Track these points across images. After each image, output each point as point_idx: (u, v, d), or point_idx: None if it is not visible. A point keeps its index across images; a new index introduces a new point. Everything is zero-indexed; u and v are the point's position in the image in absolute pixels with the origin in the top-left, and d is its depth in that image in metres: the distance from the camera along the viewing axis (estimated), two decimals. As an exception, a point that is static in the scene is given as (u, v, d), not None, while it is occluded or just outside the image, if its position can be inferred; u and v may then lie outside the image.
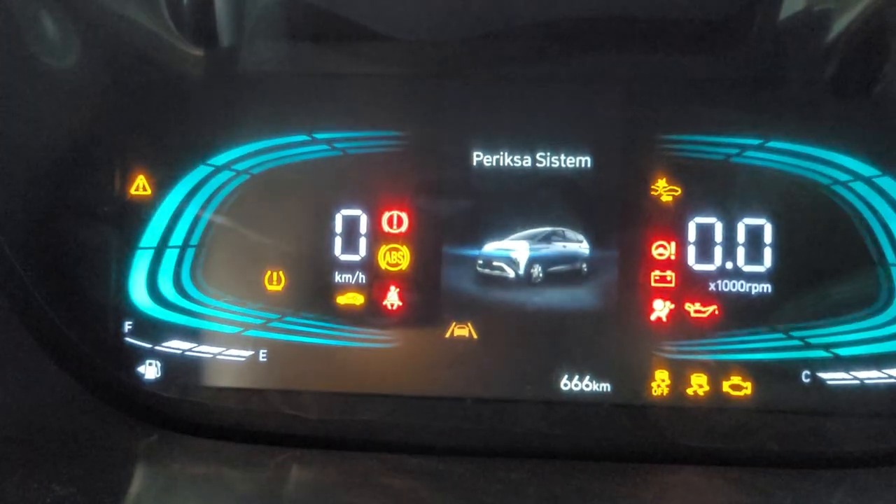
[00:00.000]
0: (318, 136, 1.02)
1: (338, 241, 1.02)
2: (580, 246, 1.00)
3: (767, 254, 0.98)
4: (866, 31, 0.94)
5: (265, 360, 1.02)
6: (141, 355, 1.03)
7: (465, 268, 1.00)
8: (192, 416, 1.01)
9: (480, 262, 1.00)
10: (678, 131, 0.99)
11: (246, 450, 0.96)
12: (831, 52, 0.97)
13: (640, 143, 0.99)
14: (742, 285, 0.98)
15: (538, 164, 1.00)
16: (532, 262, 1.00)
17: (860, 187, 0.97)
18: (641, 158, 0.99)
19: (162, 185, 1.03)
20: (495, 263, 1.00)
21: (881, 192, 0.97)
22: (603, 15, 0.98)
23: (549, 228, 1.00)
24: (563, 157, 1.00)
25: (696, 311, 0.99)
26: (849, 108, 0.98)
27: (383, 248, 1.01)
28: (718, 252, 0.99)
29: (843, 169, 0.98)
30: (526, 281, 1.00)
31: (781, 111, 0.98)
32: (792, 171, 0.98)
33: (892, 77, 0.95)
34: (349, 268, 1.01)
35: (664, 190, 0.99)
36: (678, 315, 0.99)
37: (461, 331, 1.00)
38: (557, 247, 1.00)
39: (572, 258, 1.00)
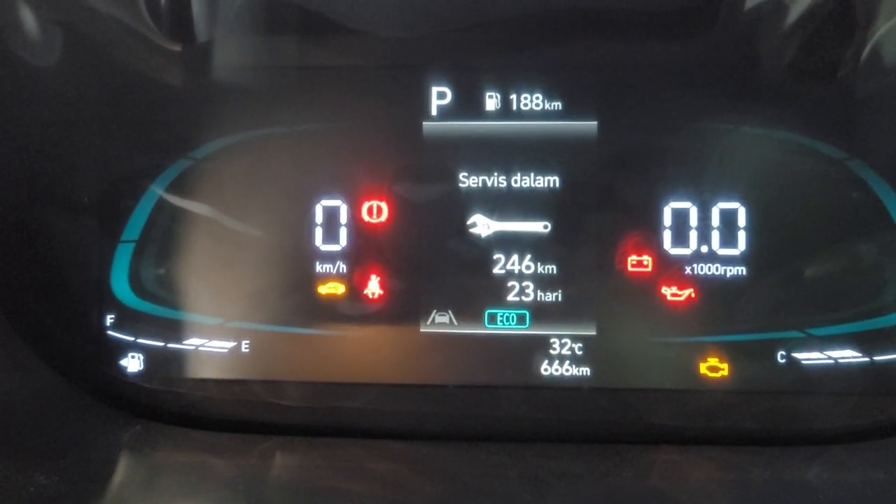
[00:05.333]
0: (297, 128, 1.03)
1: (318, 231, 1.03)
2: (554, 231, 1.01)
3: (742, 237, 1.00)
4: (831, 15, 0.96)
5: (248, 350, 1.03)
6: (123, 348, 1.04)
7: (445, 255, 1.02)
8: (175, 407, 1.02)
9: (458, 248, 1.02)
10: (650, 119, 1.00)
11: (230, 438, 0.97)
12: (798, 38, 0.98)
13: (612, 132, 1.01)
14: (717, 268, 1.00)
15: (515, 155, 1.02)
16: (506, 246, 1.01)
17: (830, 171, 0.99)
18: (614, 146, 1.01)
19: (143, 179, 1.04)
20: (473, 250, 1.02)
21: (851, 175, 0.99)
22: (573, 5, 0.99)
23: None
24: (537, 148, 1.01)
25: (673, 295, 1.00)
26: (816, 92, 0.99)
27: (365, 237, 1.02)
28: (693, 236, 1.01)
29: (813, 153, 1.00)
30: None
31: (751, 97, 1.00)
32: (763, 157, 1.00)
33: (858, 61, 0.98)
34: (329, 257, 1.02)
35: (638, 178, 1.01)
36: (655, 298, 1.00)
37: (442, 318, 1.02)
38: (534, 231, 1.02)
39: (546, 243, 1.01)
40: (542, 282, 1.01)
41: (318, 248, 1.03)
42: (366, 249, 1.02)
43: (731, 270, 1.00)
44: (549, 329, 1.01)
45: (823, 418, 0.97)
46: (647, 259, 1.01)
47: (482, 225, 1.02)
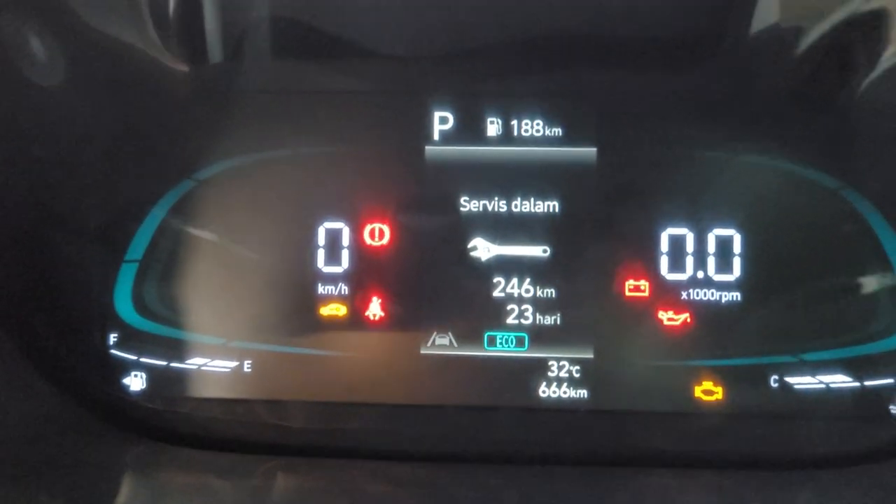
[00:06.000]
0: (300, 151, 1.05)
1: (320, 253, 1.04)
2: (553, 255, 1.03)
3: (737, 263, 1.02)
4: (829, 48, 0.98)
5: (250, 370, 1.04)
6: (126, 367, 1.04)
7: (446, 278, 1.03)
8: (177, 426, 1.03)
9: (459, 271, 1.03)
10: (648, 146, 1.02)
11: (232, 459, 0.98)
12: (795, 69, 1.00)
13: (611, 158, 1.02)
14: (713, 294, 1.02)
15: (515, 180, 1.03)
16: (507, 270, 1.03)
17: (824, 200, 1.01)
18: (613, 173, 1.02)
19: (147, 200, 1.05)
20: (473, 273, 1.03)
21: (844, 205, 1.01)
22: (575, 33, 1.01)
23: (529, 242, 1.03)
24: (537, 174, 1.03)
25: (669, 319, 1.02)
26: (812, 123, 1.01)
27: (367, 260, 1.04)
28: (690, 262, 1.02)
29: (807, 182, 1.02)
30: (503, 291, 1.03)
31: (748, 127, 1.02)
32: (759, 185, 1.02)
33: (853, 93, 1.00)
34: (331, 279, 1.04)
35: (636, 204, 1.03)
36: (652, 323, 1.02)
37: (442, 340, 1.03)
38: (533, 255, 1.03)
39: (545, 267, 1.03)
40: (540, 305, 1.03)
41: (320, 269, 1.04)
42: (367, 272, 1.04)
43: (726, 296, 1.02)
44: (547, 352, 1.03)
45: (815, 443, 0.99)
46: (644, 284, 1.02)
47: (482, 248, 1.03)
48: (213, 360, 1.04)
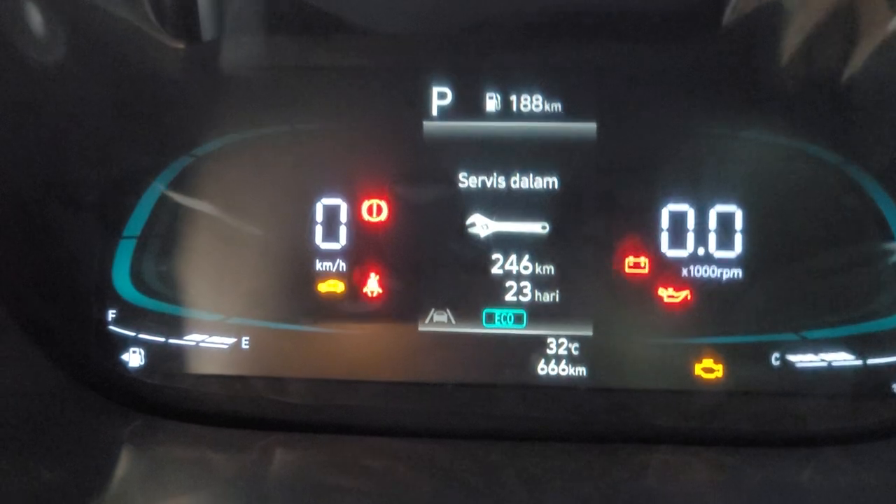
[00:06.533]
0: (299, 127, 1.04)
1: (318, 230, 1.04)
2: (552, 231, 1.02)
3: (738, 240, 1.01)
4: (830, 22, 0.97)
5: (248, 347, 1.04)
6: (125, 343, 1.05)
7: (444, 255, 1.02)
8: (176, 402, 1.03)
9: (457, 248, 1.02)
10: (649, 121, 1.01)
11: (230, 434, 0.97)
12: (797, 44, 0.99)
13: (611, 133, 1.01)
14: (713, 271, 1.01)
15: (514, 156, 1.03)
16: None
17: (827, 175, 1.00)
18: (613, 148, 1.01)
19: (145, 175, 1.05)
20: (471, 249, 1.02)
21: (847, 180, 1.00)
22: (575, 7, 1.00)
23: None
24: (536, 149, 1.02)
25: (670, 296, 1.01)
26: (814, 98, 1.00)
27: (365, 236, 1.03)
28: (690, 238, 1.02)
29: (810, 158, 1.01)
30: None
31: (750, 102, 1.01)
32: (761, 161, 1.01)
33: (855, 67, 0.98)
34: (329, 256, 1.03)
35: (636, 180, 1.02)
36: (652, 300, 1.01)
37: (440, 317, 1.02)
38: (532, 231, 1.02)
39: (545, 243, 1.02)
40: (539, 282, 1.02)
41: (318, 246, 1.03)
42: (365, 248, 1.03)
43: (727, 273, 1.01)
44: (546, 329, 1.02)
45: (816, 420, 0.98)
46: (644, 261, 1.02)
47: (481, 225, 1.03)
48: (211, 336, 1.04)
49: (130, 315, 1.05)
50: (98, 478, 0.85)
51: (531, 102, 1.03)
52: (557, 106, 1.03)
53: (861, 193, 0.99)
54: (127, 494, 0.85)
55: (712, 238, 1.01)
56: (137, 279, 1.05)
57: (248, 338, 1.04)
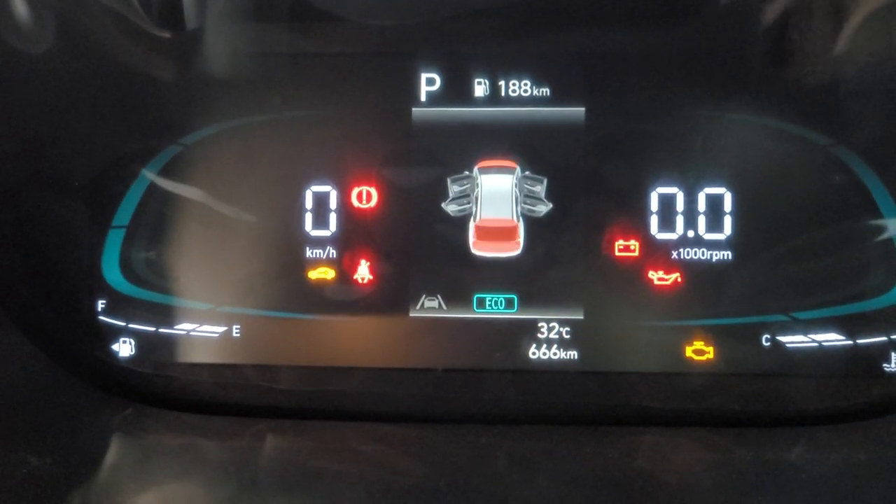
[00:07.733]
0: (287, 114, 1.04)
1: (308, 217, 1.03)
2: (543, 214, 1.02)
3: (727, 222, 1.01)
4: (819, 4, 0.98)
5: (238, 335, 1.03)
6: (115, 333, 1.04)
7: (434, 240, 1.02)
8: (166, 390, 1.02)
9: (447, 233, 1.03)
10: (637, 105, 1.01)
11: (221, 421, 0.97)
12: (782, 25, 0.99)
13: (599, 118, 1.01)
14: (703, 253, 1.01)
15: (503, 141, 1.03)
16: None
17: (815, 157, 1.00)
18: (601, 132, 1.02)
19: (134, 164, 1.04)
20: (462, 235, 1.03)
21: (835, 161, 1.00)
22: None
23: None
24: (525, 134, 1.02)
25: (660, 279, 1.01)
26: (801, 79, 1.00)
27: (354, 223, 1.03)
28: (680, 221, 1.02)
29: (798, 139, 1.01)
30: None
31: (737, 84, 1.01)
32: (749, 143, 1.01)
33: (842, 48, 0.99)
34: (319, 243, 1.03)
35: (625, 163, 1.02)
36: (642, 283, 1.01)
37: (431, 302, 1.03)
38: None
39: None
40: (530, 266, 1.02)
41: (307, 233, 1.03)
42: (355, 235, 1.03)
43: (716, 255, 1.01)
44: (536, 313, 1.02)
45: (807, 400, 0.98)
46: (633, 244, 1.02)
47: (471, 210, 1.03)
48: (201, 325, 1.04)
49: (120, 305, 1.04)
50: (87, 466, 0.85)
51: (519, 88, 1.03)
52: (545, 91, 1.03)
53: (849, 174, 1.00)
54: (119, 482, 0.85)
55: (701, 220, 1.01)
56: (127, 269, 1.04)
57: (238, 326, 1.03)
